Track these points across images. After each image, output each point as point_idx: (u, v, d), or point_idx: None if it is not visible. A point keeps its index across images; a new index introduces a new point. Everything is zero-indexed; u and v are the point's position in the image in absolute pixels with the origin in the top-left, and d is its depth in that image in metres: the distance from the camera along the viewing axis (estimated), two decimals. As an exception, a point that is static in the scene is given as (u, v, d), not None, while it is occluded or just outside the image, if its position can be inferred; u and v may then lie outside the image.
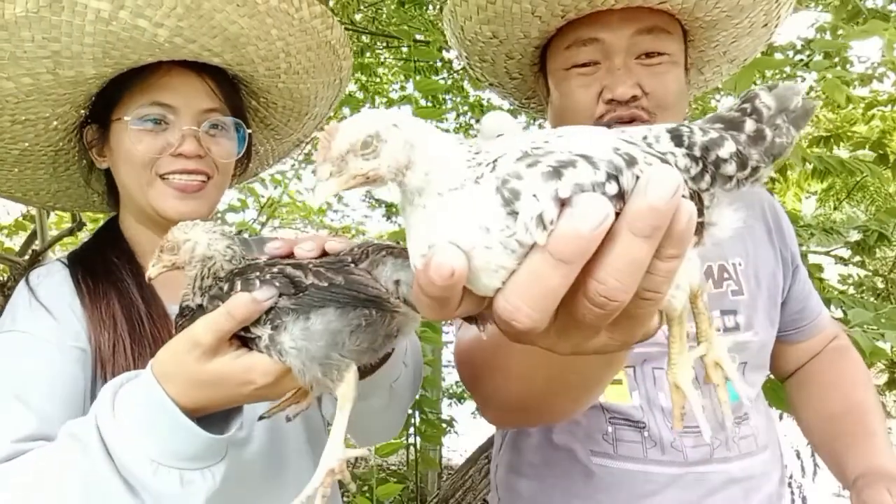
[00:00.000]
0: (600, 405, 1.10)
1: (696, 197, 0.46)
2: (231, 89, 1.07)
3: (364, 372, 0.68)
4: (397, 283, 0.60)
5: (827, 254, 3.10)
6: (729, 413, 0.55)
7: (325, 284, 0.59)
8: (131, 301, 0.96)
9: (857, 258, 3.08)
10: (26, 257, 2.28)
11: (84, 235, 2.39)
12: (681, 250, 0.40)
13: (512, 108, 1.39)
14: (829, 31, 3.21)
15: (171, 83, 0.97)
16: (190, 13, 0.88)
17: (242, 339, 0.63)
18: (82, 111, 1.05)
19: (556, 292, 0.40)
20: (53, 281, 0.98)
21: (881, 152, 2.95)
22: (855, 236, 2.95)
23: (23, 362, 0.87)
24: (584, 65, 1.09)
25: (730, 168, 0.46)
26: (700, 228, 0.46)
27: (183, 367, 0.63)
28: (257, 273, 0.62)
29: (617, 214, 0.39)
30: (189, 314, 0.65)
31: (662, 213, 0.37)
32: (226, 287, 0.62)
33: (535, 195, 0.39)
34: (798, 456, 3.23)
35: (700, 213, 0.45)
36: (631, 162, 0.41)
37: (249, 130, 1.09)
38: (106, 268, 1.00)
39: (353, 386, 0.60)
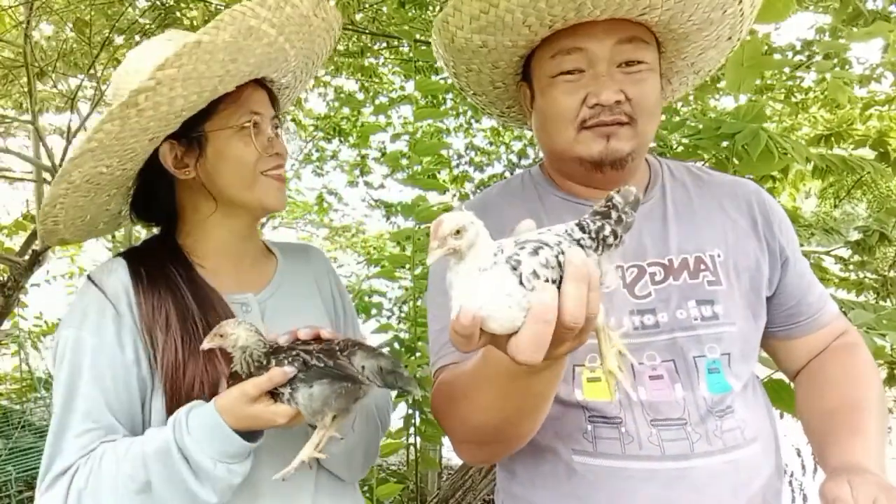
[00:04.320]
0: (580, 404, 1.11)
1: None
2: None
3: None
4: (363, 367, 0.99)
5: (827, 253, 3.10)
6: (631, 381, 1.09)
7: (322, 365, 0.98)
8: (184, 300, 1.12)
9: (857, 258, 3.08)
10: (26, 257, 2.28)
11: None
12: (597, 285, 0.75)
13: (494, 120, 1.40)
14: (828, 33, 3.23)
15: (253, 96, 1.18)
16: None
17: (272, 393, 1.00)
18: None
19: (549, 335, 0.72)
20: (116, 277, 1.12)
21: (881, 150, 2.96)
22: (855, 236, 2.95)
23: (86, 363, 1.05)
24: (569, 72, 1.13)
25: (610, 240, 0.80)
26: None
27: (235, 406, 0.99)
28: (284, 355, 1.00)
29: (560, 278, 0.74)
30: (237, 378, 1.02)
31: (583, 266, 0.73)
32: (265, 362, 1.00)
33: (527, 263, 0.73)
34: (798, 454, 3.24)
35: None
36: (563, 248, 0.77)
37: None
38: (160, 265, 1.15)
39: (329, 423, 1.03)
